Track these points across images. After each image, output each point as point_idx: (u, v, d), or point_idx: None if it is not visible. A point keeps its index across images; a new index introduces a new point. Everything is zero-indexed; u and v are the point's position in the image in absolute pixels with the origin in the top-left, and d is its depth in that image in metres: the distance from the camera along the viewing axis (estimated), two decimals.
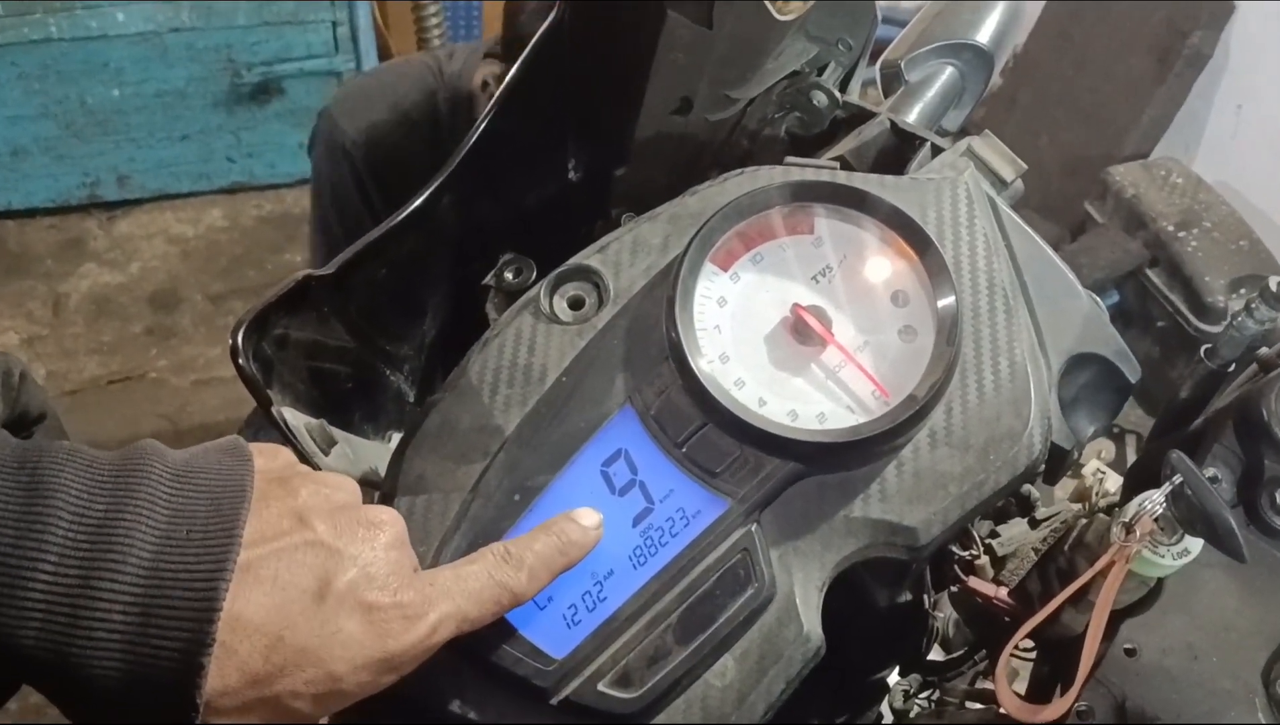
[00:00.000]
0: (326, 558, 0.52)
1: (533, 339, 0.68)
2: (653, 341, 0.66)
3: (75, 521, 0.48)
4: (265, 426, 0.93)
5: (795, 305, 0.66)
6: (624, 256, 0.70)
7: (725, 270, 0.67)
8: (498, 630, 0.59)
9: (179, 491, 0.50)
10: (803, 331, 0.65)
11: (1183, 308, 1.70)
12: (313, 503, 0.54)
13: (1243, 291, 1.68)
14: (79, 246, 2.95)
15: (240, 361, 0.67)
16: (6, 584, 0.46)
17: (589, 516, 0.60)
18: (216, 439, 0.56)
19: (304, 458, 0.68)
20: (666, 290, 0.66)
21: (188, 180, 3.06)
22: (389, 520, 0.56)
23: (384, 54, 3.10)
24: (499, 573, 0.57)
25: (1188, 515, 0.59)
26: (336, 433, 0.74)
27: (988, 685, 0.85)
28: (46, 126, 2.86)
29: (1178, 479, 0.59)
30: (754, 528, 0.61)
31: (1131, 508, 0.61)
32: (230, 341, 0.66)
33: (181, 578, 0.48)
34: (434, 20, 3.03)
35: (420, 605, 0.53)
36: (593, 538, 0.60)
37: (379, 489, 0.68)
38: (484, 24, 3.35)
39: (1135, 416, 1.54)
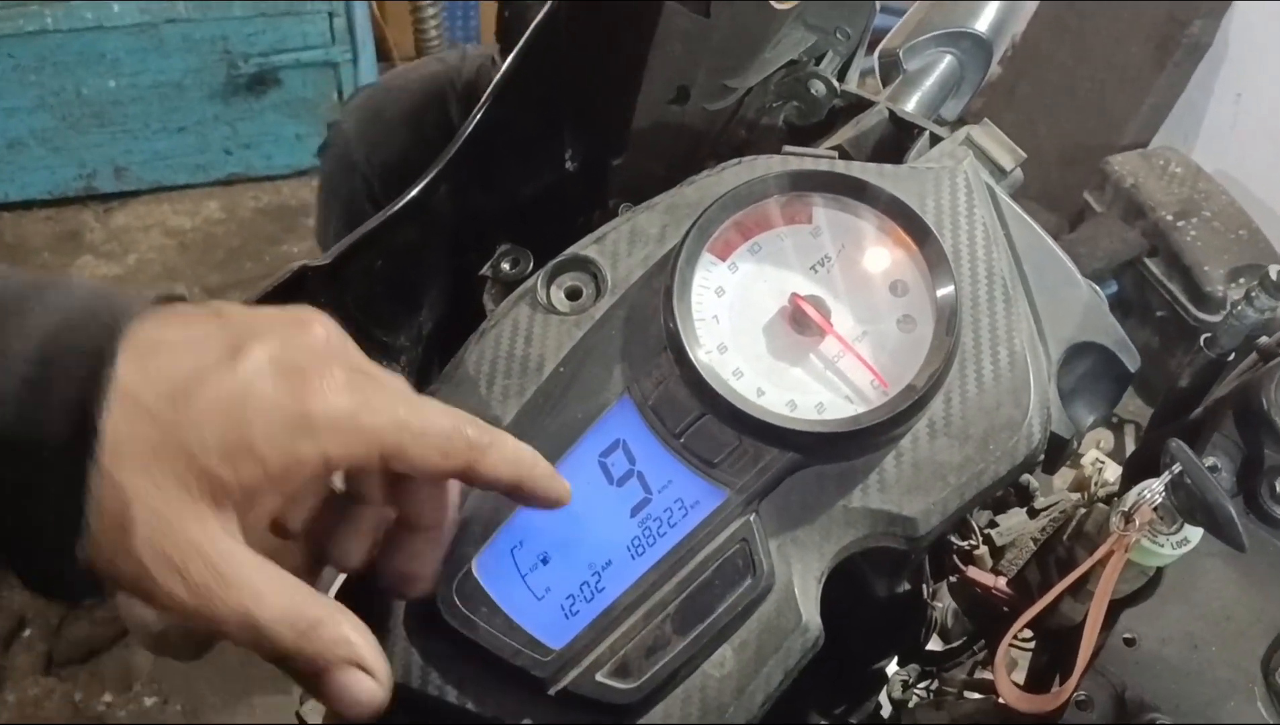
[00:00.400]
0: (243, 329, 0.48)
1: (530, 329, 0.67)
2: (651, 332, 0.66)
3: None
4: None
5: (794, 295, 0.65)
6: (621, 247, 0.69)
7: (723, 260, 0.67)
8: (495, 622, 0.59)
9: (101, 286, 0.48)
10: (801, 321, 0.65)
11: (1182, 297, 1.70)
12: (231, 302, 0.50)
13: (1242, 281, 1.67)
14: (76, 238, 2.95)
15: None
16: None
17: (563, 480, 0.58)
18: None
19: None
20: (664, 280, 0.65)
21: (184, 172, 3.06)
22: (322, 321, 0.52)
23: (381, 45, 3.10)
24: (464, 421, 0.53)
25: (1187, 504, 0.59)
26: None
27: (986, 675, 0.85)
28: (42, 118, 2.86)
29: (1177, 468, 0.59)
30: (753, 518, 0.61)
31: (1131, 497, 0.61)
32: None
33: (87, 321, 0.45)
34: (432, 20, 3.03)
35: (355, 381, 0.49)
36: (562, 486, 0.57)
37: None
38: (481, 23, 3.35)
39: (1134, 406, 1.54)
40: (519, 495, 0.56)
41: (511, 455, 0.55)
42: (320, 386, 0.48)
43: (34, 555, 0.45)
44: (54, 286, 0.47)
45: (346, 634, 0.49)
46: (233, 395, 0.46)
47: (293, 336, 0.49)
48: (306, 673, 0.49)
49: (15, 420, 0.43)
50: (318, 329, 0.51)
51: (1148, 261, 1.75)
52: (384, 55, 3.15)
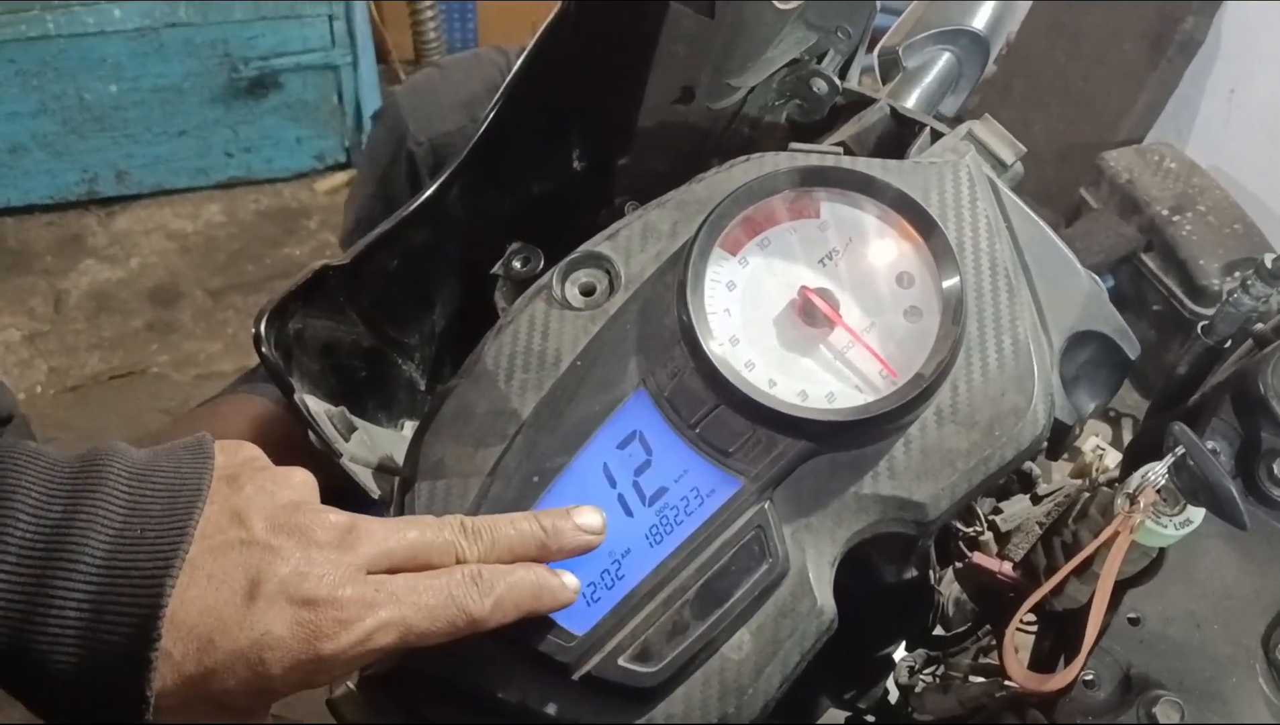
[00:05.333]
0: (259, 556, 0.52)
1: (546, 325, 0.69)
2: (664, 325, 0.67)
3: (33, 522, 0.49)
4: (256, 381, 0.94)
5: (803, 288, 0.67)
6: (634, 243, 0.71)
7: (734, 255, 0.69)
8: None
9: (136, 489, 0.51)
10: (811, 313, 0.67)
11: (1177, 291, 1.72)
12: (255, 499, 0.53)
13: (1237, 274, 1.69)
14: (78, 243, 2.96)
15: (264, 349, 0.68)
16: None
17: (570, 578, 0.60)
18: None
19: (324, 444, 0.70)
20: (677, 275, 0.67)
21: (186, 176, 3.06)
22: (330, 518, 0.55)
23: (380, 48, 3.11)
24: (461, 592, 0.55)
25: (1190, 485, 0.60)
26: (355, 420, 0.75)
27: (991, 660, 0.86)
28: (44, 123, 2.87)
29: (1180, 450, 0.60)
30: (767, 505, 0.63)
31: (1135, 479, 0.63)
32: (254, 330, 0.68)
33: (132, 576, 0.49)
34: (430, 22, 3.04)
35: (358, 607, 0.52)
36: (570, 595, 0.59)
37: (396, 475, 0.69)
38: (479, 24, 3.36)
39: (1131, 400, 1.55)
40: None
41: (512, 599, 0.57)
42: (331, 629, 0.52)
43: None
44: (80, 550, 0.50)
45: None
46: (250, 646, 0.50)
47: (301, 556, 0.52)
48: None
49: (74, 689, 0.49)
50: (328, 530, 0.54)
51: (1144, 256, 1.76)
52: (383, 58, 3.17)
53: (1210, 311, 1.63)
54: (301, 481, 0.57)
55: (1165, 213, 1.75)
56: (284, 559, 0.52)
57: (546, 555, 0.59)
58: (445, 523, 0.58)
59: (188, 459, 0.54)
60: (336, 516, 0.55)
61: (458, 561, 0.57)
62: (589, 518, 0.60)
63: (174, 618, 0.49)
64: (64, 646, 0.48)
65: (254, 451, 0.57)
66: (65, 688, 0.49)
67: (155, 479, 0.52)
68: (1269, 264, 0.73)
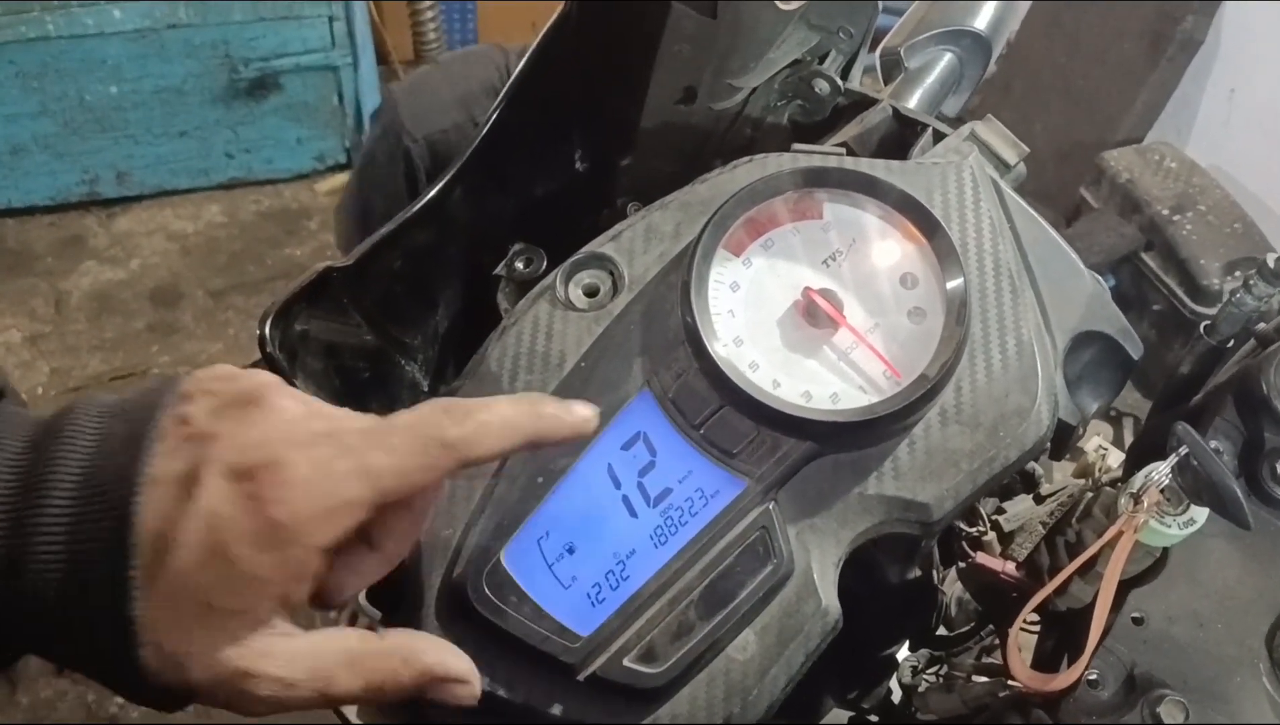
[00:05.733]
0: (198, 443, 0.49)
1: (550, 326, 0.69)
2: (668, 326, 0.67)
3: (10, 471, 0.49)
4: None
5: (807, 289, 0.67)
6: (637, 244, 0.71)
7: (737, 255, 0.69)
8: (524, 610, 0.61)
9: (104, 424, 0.50)
10: (814, 314, 0.67)
11: (1178, 291, 1.72)
12: (199, 399, 0.51)
13: (1238, 274, 1.69)
14: (79, 244, 2.96)
15: (269, 350, 0.68)
16: None
17: (581, 406, 0.56)
18: None
19: None
20: (681, 276, 0.67)
21: (186, 176, 3.07)
22: (268, 383, 0.52)
23: (380, 48, 3.11)
24: (428, 422, 0.51)
25: (1194, 485, 0.61)
26: None
27: (994, 660, 0.86)
28: (45, 124, 2.87)
29: (1184, 450, 0.60)
30: (771, 506, 0.63)
31: (1139, 479, 0.63)
32: (259, 330, 0.68)
33: (101, 499, 0.48)
34: (430, 23, 3.05)
35: (307, 466, 0.49)
36: (577, 419, 0.55)
37: None
38: (479, 24, 3.36)
39: (1132, 400, 1.55)
40: (542, 446, 0.55)
41: (500, 426, 0.53)
42: (276, 492, 0.48)
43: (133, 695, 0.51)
44: (50, 481, 0.49)
45: (426, 662, 0.53)
46: (207, 532, 0.48)
47: (238, 433, 0.49)
48: (404, 701, 0.53)
49: (60, 608, 0.48)
50: (257, 407, 0.51)
51: (1144, 256, 1.76)
52: (383, 58, 3.17)
53: (1211, 311, 1.64)
54: (249, 373, 0.54)
55: (1165, 212, 1.75)
56: (220, 438, 0.49)
57: (540, 429, 0.54)
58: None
59: (154, 385, 0.52)
60: (271, 383, 0.52)
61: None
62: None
63: (141, 531, 0.48)
64: (48, 581, 0.48)
65: (229, 369, 0.54)
66: (55, 626, 0.49)
67: (123, 409, 0.51)
68: (1271, 263, 0.73)
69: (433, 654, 0.54)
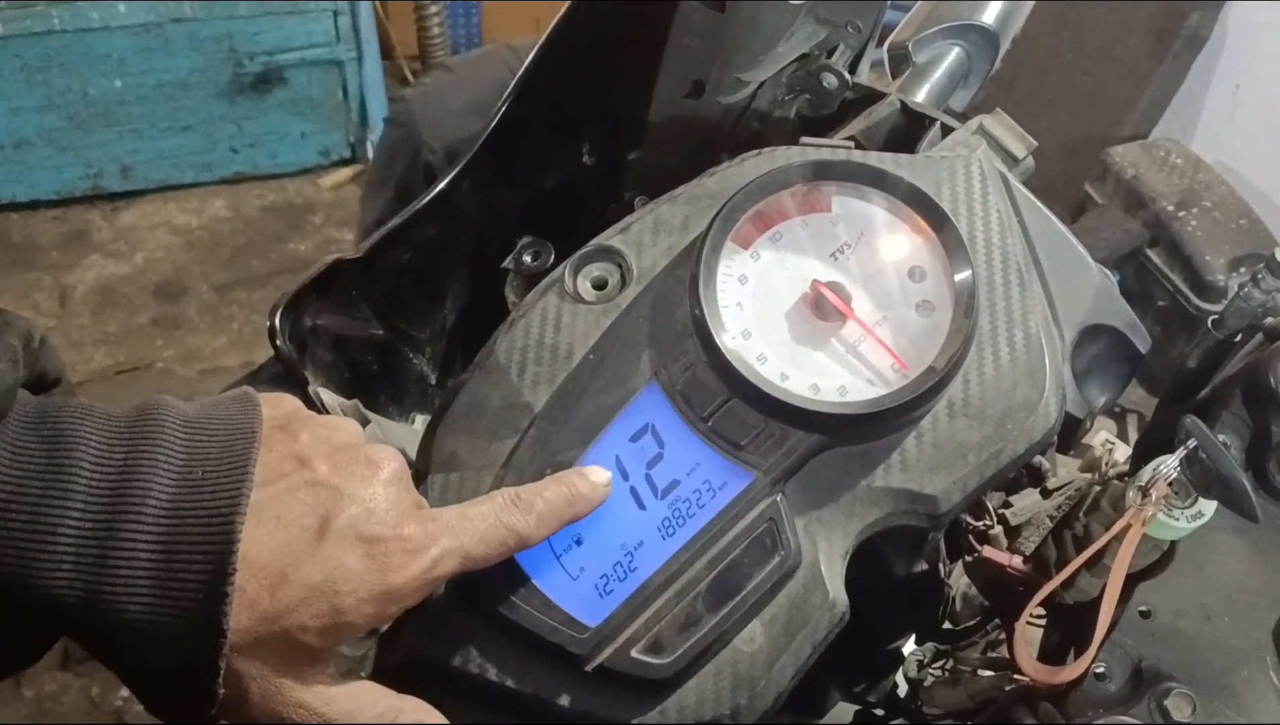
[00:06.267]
0: (327, 496, 0.54)
1: (559, 318, 0.69)
2: (676, 319, 0.67)
3: (97, 470, 0.50)
4: (270, 379, 0.95)
5: (815, 281, 0.67)
6: (645, 237, 0.71)
7: (746, 248, 0.69)
8: (533, 601, 0.61)
9: (192, 437, 0.53)
10: (823, 307, 0.67)
11: (1183, 287, 1.72)
12: (313, 445, 0.56)
13: (1243, 270, 1.69)
14: (83, 238, 2.96)
15: (278, 342, 0.69)
16: (37, 533, 0.49)
17: (598, 473, 0.62)
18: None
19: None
20: (689, 268, 0.67)
21: (191, 171, 3.07)
22: (388, 457, 0.57)
23: (385, 44, 3.11)
24: (507, 515, 0.58)
25: (1202, 478, 0.61)
26: (368, 413, 0.75)
27: (1000, 654, 0.86)
28: (49, 118, 2.87)
29: (1192, 443, 0.60)
30: (779, 498, 0.63)
31: (1147, 472, 0.63)
32: (269, 323, 0.68)
33: (200, 515, 0.50)
34: (435, 19, 3.05)
35: (422, 539, 0.55)
36: (600, 494, 0.62)
37: (411, 468, 0.69)
38: (483, 19, 3.36)
39: (1137, 396, 1.55)
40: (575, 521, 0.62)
41: (551, 511, 0.60)
42: (400, 561, 0.54)
43: (174, 714, 0.55)
44: (151, 478, 0.51)
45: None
46: (324, 580, 0.53)
47: (367, 494, 0.55)
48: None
49: (149, 633, 0.50)
50: (386, 469, 0.57)
51: (1149, 252, 1.76)
52: (388, 53, 3.17)
53: (1215, 307, 1.64)
54: (352, 426, 0.59)
55: (1170, 208, 1.75)
56: (350, 498, 0.54)
57: (575, 513, 0.61)
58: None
59: (236, 408, 0.55)
60: (386, 452, 0.58)
61: None
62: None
63: (246, 557, 0.51)
64: (137, 590, 0.49)
65: (296, 403, 0.59)
66: (140, 633, 0.50)
67: (208, 426, 0.54)
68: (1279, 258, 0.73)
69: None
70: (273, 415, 0.57)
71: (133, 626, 0.50)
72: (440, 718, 0.58)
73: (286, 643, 0.53)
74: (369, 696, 0.57)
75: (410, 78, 3.16)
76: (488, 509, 0.58)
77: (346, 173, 3.16)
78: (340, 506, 0.54)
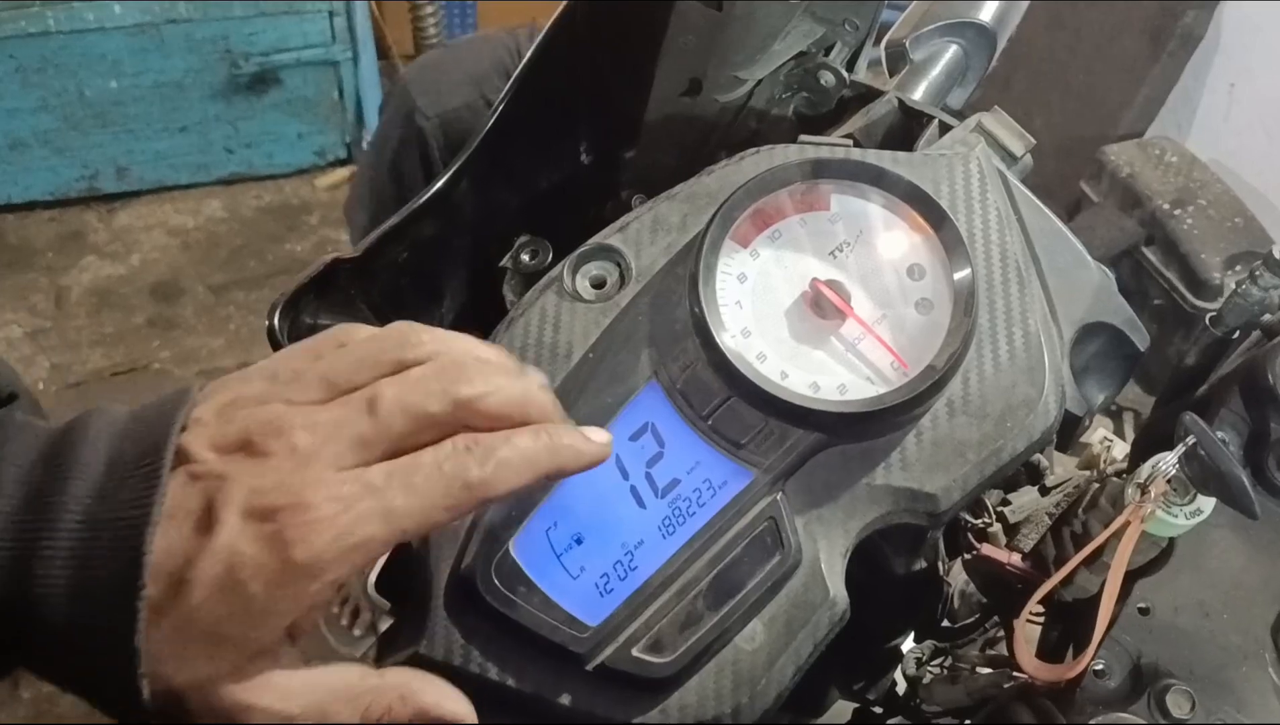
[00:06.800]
0: (211, 484, 0.49)
1: (557, 317, 0.69)
2: (676, 318, 0.67)
3: (19, 488, 0.49)
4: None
5: (814, 280, 0.67)
6: (644, 235, 0.71)
7: (745, 246, 0.69)
8: (533, 600, 0.61)
9: (116, 445, 0.50)
10: (822, 305, 0.67)
11: (1179, 285, 1.72)
12: (211, 424, 0.51)
13: (1238, 268, 1.69)
14: (79, 239, 2.96)
15: (278, 342, 0.68)
16: None
17: (597, 433, 0.57)
18: None
19: None
20: (688, 267, 0.67)
21: (186, 171, 3.07)
22: (284, 417, 0.51)
23: (381, 44, 3.11)
24: (451, 462, 0.51)
25: (1201, 475, 0.61)
26: None
27: (999, 651, 0.87)
28: (45, 119, 2.87)
29: (1191, 440, 0.61)
30: (779, 496, 0.63)
31: (1146, 469, 0.63)
32: (268, 323, 0.68)
33: (114, 525, 0.48)
34: (431, 19, 3.05)
35: (328, 506, 0.48)
36: (593, 451, 0.56)
37: None
38: (479, 23, 3.36)
39: (1133, 394, 1.55)
40: (562, 478, 0.56)
41: (520, 463, 0.53)
42: (298, 533, 0.48)
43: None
44: (55, 512, 0.48)
45: (423, 701, 0.54)
46: (221, 575, 0.48)
47: (255, 471, 0.49)
48: None
49: (66, 647, 0.48)
50: (275, 441, 0.50)
51: (1145, 250, 1.77)
52: (383, 54, 3.17)
53: (1211, 306, 1.64)
54: (279, 412, 0.52)
55: (1166, 207, 1.75)
56: (236, 480, 0.49)
57: (558, 464, 0.55)
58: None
59: (168, 404, 0.52)
60: (305, 434, 0.51)
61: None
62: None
63: (152, 566, 0.47)
64: (52, 604, 0.47)
65: (235, 393, 0.53)
66: (61, 661, 0.49)
67: (134, 429, 0.51)
68: (1277, 255, 0.73)
69: (431, 694, 0.54)
70: (205, 402, 0.52)
71: (53, 657, 0.49)
72: (452, 691, 0.55)
73: (210, 642, 0.49)
74: (342, 680, 0.52)
75: None
76: (427, 458, 0.51)
77: (343, 173, 3.16)
78: (223, 492, 0.48)
